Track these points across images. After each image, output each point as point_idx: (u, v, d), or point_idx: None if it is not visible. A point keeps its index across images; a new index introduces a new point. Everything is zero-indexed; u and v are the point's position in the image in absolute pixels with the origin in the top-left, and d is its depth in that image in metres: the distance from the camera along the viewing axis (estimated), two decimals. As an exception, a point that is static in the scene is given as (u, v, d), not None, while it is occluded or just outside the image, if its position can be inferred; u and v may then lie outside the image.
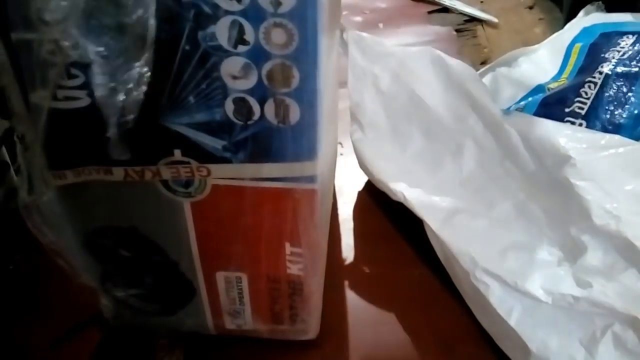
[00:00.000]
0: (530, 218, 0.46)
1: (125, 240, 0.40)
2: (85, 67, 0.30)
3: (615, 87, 0.49)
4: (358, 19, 0.86)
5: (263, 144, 0.34)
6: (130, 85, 0.29)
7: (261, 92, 0.32)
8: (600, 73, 0.51)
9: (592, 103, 0.49)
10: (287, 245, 0.40)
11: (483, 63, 0.74)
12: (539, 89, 0.58)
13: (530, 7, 0.88)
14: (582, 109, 0.49)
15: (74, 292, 0.44)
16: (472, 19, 0.86)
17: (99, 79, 0.29)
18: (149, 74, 0.30)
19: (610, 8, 0.65)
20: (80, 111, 0.32)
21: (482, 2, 0.90)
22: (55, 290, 0.50)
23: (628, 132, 0.46)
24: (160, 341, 0.47)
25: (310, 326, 0.46)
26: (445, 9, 0.88)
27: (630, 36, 0.53)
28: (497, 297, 0.43)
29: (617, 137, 0.43)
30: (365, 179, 0.61)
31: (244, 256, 0.41)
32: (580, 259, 0.41)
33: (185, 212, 0.38)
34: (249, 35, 0.30)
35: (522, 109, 0.55)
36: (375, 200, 0.59)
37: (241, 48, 0.30)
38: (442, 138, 0.51)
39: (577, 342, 0.40)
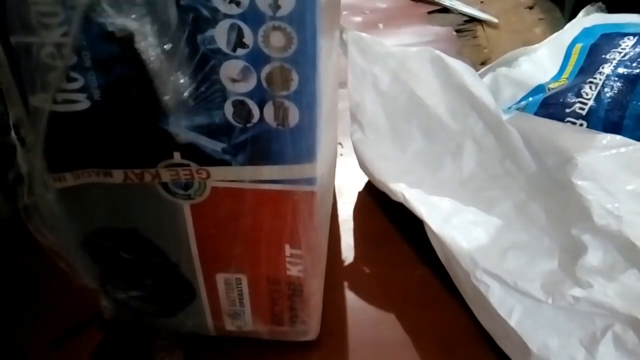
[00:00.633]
0: (530, 218, 0.46)
1: (125, 242, 0.40)
2: (84, 70, 0.30)
3: (616, 88, 0.49)
4: (358, 19, 0.86)
5: (262, 146, 0.34)
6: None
7: (260, 95, 0.32)
8: (601, 74, 0.51)
9: (593, 104, 0.49)
10: (287, 247, 0.40)
11: (483, 63, 0.74)
12: (539, 89, 0.58)
13: (530, 7, 0.88)
14: (583, 109, 0.49)
15: (74, 293, 0.44)
16: (472, 19, 0.86)
17: (146, 44, 0.29)
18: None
19: (611, 9, 0.65)
20: (79, 114, 0.32)
21: (482, 2, 0.90)
22: (55, 291, 0.50)
23: (629, 133, 0.46)
24: (160, 342, 0.47)
25: (311, 327, 0.46)
26: (445, 9, 0.88)
27: (632, 37, 0.53)
28: (498, 298, 0.43)
29: (618, 137, 0.43)
30: (365, 179, 0.61)
31: (243, 258, 0.41)
32: (581, 259, 0.41)
33: (184, 214, 0.38)
34: (248, 38, 0.30)
35: (522, 109, 0.55)
36: (376, 201, 0.59)
37: (240, 51, 0.30)
38: (442, 138, 0.51)
39: (578, 343, 0.40)
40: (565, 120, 0.50)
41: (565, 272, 0.42)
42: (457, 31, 0.84)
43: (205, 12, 0.29)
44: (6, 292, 0.52)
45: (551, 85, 0.57)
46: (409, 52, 0.54)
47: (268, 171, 0.35)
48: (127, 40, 0.29)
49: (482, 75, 0.63)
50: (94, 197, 0.37)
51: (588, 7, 0.66)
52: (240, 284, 0.42)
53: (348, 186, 0.61)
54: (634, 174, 0.42)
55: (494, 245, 0.46)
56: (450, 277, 0.49)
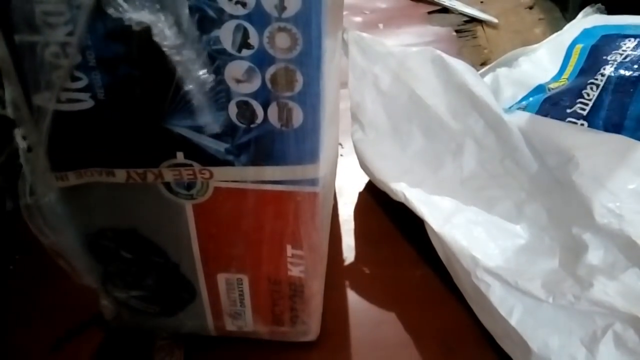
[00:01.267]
0: (531, 217, 0.46)
1: (126, 241, 0.40)
2: (88, 69, 0.30)
3: (617, 90, 0.49)
4: (358, 19, 0.86)
5: (265, 147, 0.34)
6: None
7: (264, 96, 0.32)
8: (603, 75, 0.51)
9: (594, 104, 0.49)
10: (289, 248, 0.40)
11: (483, 64, 0.74)
12: (540, 89, 0.58)
13: (530, 7, 0.88)
14: (584, 110, 0.49)
15: (74, 293, 0.44)
16: (472, 20, 0.86)
17: (164, 35, 0.29)
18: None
19: (610, 10, 0.66)
20: (83, 113, 0.32)
21: (482, 2, 0.90)
22: (55, 291, 0.50)
23: (629, 134, 0.46)
24: (160, 342, 0.47)
25: (311, 328, 0.46)
26: (445, 10, 0.88)
27: (632, 39, 0.53)
28: (498, 297, 0.43)
29: (619, 136, 0.43)
30: (365, 179, 0.61)
31: (245, 258, 0.41)
32: (582, 258, 0.41)
33: (187, 214, 0.38)
34: (253, 39, 0.30)
35: (523, 109, 0.55)
36: (376, 201, 0.59)
37: (245, 52, 0.30)
38: (443, 137, 0.51)
39: (578, 342, 0.41)
40: (566, 120, 0.50)
41: (566, 271, 0.42)
42: (457, 31, 0.84)
43: (210, 13, 0.29)
44: (6, 292, 0.51)
45: (551, 86, 0.57)
46: (409, 51, 0.54)
47: (271, 172, 0.35)
48: (144, 34, 0.29)
49: (482, 76, 0.63)
50: (96, 196, 0.37)
51: (587, 9, 0.67)
52: (242, 284, 0.42)
53: (348, 186, 0.61)
54: (636, 173, 0.42)
55: (494, 244, 0.46)
56: (451, 276, 0.50)
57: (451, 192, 0.50)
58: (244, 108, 0.32)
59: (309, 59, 0.31)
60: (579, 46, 0.58)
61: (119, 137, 0.34)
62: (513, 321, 0.42)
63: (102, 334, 0.48)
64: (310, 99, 0.32)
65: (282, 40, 0.30)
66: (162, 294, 0.44)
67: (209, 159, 0.35)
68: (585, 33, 0.60)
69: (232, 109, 0.32)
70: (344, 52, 0.55)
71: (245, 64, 0.31)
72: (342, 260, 0.55)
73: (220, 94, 0.32)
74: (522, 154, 0.46)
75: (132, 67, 0.30)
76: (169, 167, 0.35)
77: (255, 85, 0.31)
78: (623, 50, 0.52)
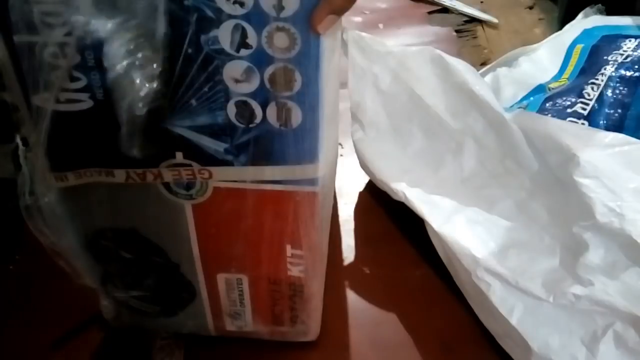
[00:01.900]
0: (531, 216, 0.46)
1: (126, 242, 0.40)
2: (87, 69, 0.30)
3: (617, 90, 0.49)
4: (358, 19, 0.86)
5: (265, 146, 0.34)
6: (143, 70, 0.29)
7: (263, 96, 0.32)
8: (603, 75, 0.51)
9: (594, 104, 0.49)
10: (288, 247, 0.40)
11: (483, 64, 0.74)
12: (540, 88, 0.58)
13: (530, 8, 0.88)
14: (585, 109, 0.49)
15: (74, 293, 0.44)
16: (472, 20, 0.86)
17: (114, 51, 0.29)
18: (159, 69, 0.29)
19: (610, 11, 0.66)
20: (82, 113, 0.32)
21: (482, 2, 0.90)
22: (55, 291, 0.50)
23: (630, 134, 0.46)
24: (160, 342, 0.47)
25: (311, 327, 0.46)
26: (445, 10, 0.88)
27: (633, 40, 0.53)
28: (499, 296, 0.43)
29: (621, 135, 0.43)
30: (366, 179, 0.61)
31: (244, 258, 0.41)
32: (582, 257, 0.41)
33: (186, 214, 0.38)
34: (252, 39, 0.30)
35: (524, 109, 0.55)
36: (376, 201, 0.59)
37: (244, 52, 0.30)
38: (443, 137, 0.51)
39: (579, 341, 0.40)
40: (567, 120, 0.50)
41: (566, 270, 0.42)
42: (457, 31, 0.84)
43: (209, 13, 0.29)
44: (6, 292, 0.51)
45: (551, 85, 0.57)
46: (409, 51, 0.54)
47: (270, 172, 0.35)
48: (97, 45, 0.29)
49: (482, 75, 0.63)
50: (95, 196, 0.37)
51: (587, 9, 0.67)
52: (241, 284, 0.42)
53: (348, 186, 0.61)
54: (637, 172, 0.42)
55: (495, 243, 0.46)
56: (451, 276, 0.49)
57: (451, 191, 0.50)
58: (243, 108, 0.32)
59: (308, 59, 0.31)
60: (579, 46, 0.58)
61: (118, 137, 0.34)
62: (513, 320, 0.42)
63: (102, 334, 0.48)
64: (309, 98, 0.32)
65: (280, 39, 0.30)
66: (162, 294, 0.44)
67: (209, 159, 0.35)
68: (586, 33, 0.60)
69: (231, 109, 0.32)
70: (344, 52, 0.55)
71: (244, 64, 0.31)
72: (342, 260, 0.55)
73: (218, 94, 0.32)
74: (522, 153, 0.46)
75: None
76: (169, 167, 0.35)
77: (254, 85, 0.31)
78: (624, 51, 0.52)
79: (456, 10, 0.87)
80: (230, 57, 0.30)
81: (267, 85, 0.31)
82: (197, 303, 0.44)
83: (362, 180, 0.61)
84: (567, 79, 0.57)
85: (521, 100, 0.58)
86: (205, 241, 0.40)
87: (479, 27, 0.85)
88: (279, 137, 0.34)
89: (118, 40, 0.28)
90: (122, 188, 0.36)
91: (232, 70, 0.31)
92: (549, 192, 0.45)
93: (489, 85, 0.53)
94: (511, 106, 0.57)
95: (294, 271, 0.41)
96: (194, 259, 0.41)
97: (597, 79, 0.51)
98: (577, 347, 0.40)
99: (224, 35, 0.30)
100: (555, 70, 0.60)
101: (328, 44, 0.31)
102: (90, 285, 0.42)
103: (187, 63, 0.30)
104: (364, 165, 0.57)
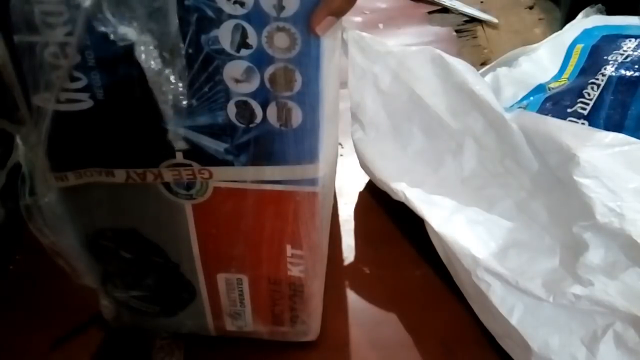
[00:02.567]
0: (531, 216, 0.46)
1: (126, 241, 0.40)
2: (88, 69, 0.30)
3: (617, 90, 0.49)
4: (358, 19, 0.86)
5: (265, 146, 0.34)
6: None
7: (263, 96, 0.32)
8: (603, 75, 0.51)
9: (594, 104, 0.49)
10: (288, 247, 0.40)
11: (483, 64, 0.74)
12: (540, 88, 0.58)
13: (530, 7, 0.88)
14: (585, 109, 0.49)
15: (74, 293, 0.44)
16: (472, 20, 0.86)
17: (146, 53, 0.29)
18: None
19: (610, 10, 0.65)
20: (82, 113, 0.32)
21: (482, 2, 0.90)
22: (55, 291, 0.50)
23: (630, 134, 0.46)
24: (160, 342, 0.47)
25: (311, 327, 0.46)
26: (445, 10, 0.88)
27: (633, 40, 0.53)
28: (499, 296, 0.43)
29: (621, 135, 0.43)
30: (366, 179, 0.61)
31: (245, 258, 0.41)
32: (582, 257, 0.41)
33: (186, 214, 0.38)
34: (252, 39, 0.30)
35: (524, 109, 0.55)
36: (376, 201, 0.59)
37: (244, 52, 0.30)
38: (443, 137, 0.51)
39: (579, 341, 0.41)
40: (567, 119, 0.50)
41: (566, 270, 0.42)
42: (457, 31, 0.84)
43: (209, 13, 0.29)
44: (6, 292, 0.51)
45: (551, 85, 0.57)
46: (409, 51, 0.54)
47: (270, 171, 0.35)
48: (128, 48, 0.29)
49: (482, 75, 0.63)
50: (95, 196, 0.37)
51: (587, 9, 0.66)
52: (241, 284, 0.42)
53: (348, 186, 0.61)
54: (637, 172, 0.42)
55: (495, 243, 0.46)
56: (451, 276, 0.49)
57: (451, 191, 0.50)
58: (243, 108, 0.32)
59: (308, 59, 0.31)
60: (579, 46, 0.58)
61: (118, 137, 0.34)
62: (514, 320, 0.42)
63: (102, 334, 0.48)
64: (310, 98, 0.32)
65: (280, 39, 0.30)
66: (162, 294, 0.44)
67: (209, 159, 0.35)
68: (586, 33, 0.60)
69: (231, 109, 0.32)
70: (344, 52, 0.55)
71: (244, 64, 0.31)
72: (342, 260, 0.55)
73: (219, 94, 0.32)
74: (522, 153, 0.46)
75: (131, 68, 0.30)
76: (169, 167, 0.35)
77: (254, 85, 0.31)
78: (624, 51, 0.52)
79: (456, 10, 0.87)
80: (231, 57, 0.30)
81: (268, 85, 0.31)
82: (197, 303, 0.44)
83: (362, 180, 0.61)
84: (567, 79, 0.56)
85: (521, 100, 0.58)
86: (205, 241, 0.40)
87: (479, 27, 0.85)
88: (279, 137, 0.34)
89: (143, 42, 0.28)
90: (122, 188, 0.36)
91: (233, 70, 0.31)
92: (549, 192, 0.45)
93: (489, 85, 0.53)
94: (511, 106, 0.57)
95: (294, 271, 0.41)
96: (194, 259, 0.41)
97: (597, 79, 0.51)
98: (577, 347, 0.40)
99: (224, 35, 0.30)
100: (555, 70, 0.60)
101: (328, 44, 0.31)
102: (90, 285, 0.42)
103: (188, 63, 0.30)
104: (364, 165, 0.57)
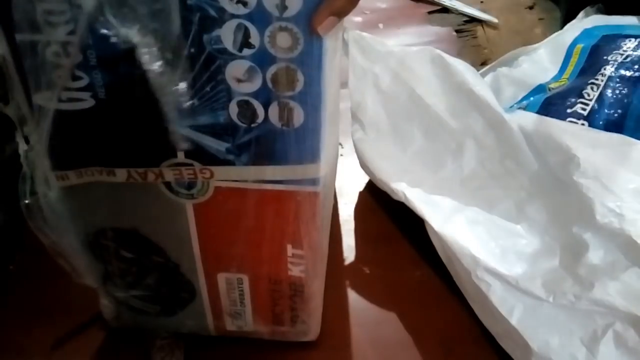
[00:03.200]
0: (531, 216, 0.46)
1: (127, 241, 0.40)
2: (89, 68, 0.30)
3: (617, 90, 0.49)
4: (358, 19, 0.86)
5: (266, 146, 0.34)
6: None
7: (265, 95, 0.32)
8: (603, 75, 0.51)
9: (594, 104, 0.49)
10: (289, 247, 0.40)
11: (483, 64, 0.74)
12: (540, 88, 0.58)
13: (530, 7, 0.88)
14: (585, 109, 0.49)
15: (74, 293, 0.44)
16: (472, 20, 0.86)
17: (148, 55, 0.29)
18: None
19: (610, 10, 0.66)
20: (84, 112, 0.32)
21: (482, 2, 0.90)
22: (55, 291, 0.50)
23: (629, 134, 0.46)
24: (160, 342, 0.47)
25: (311, 327, 0.46)
26: (445, 10, 0.88)
27: (633, 39, 0.53)
28: (499, 296, 0.43)
29: (620, 136, 0.43)
30: (366, 179, 0.61)
31: (245, 258, 0.41)
32: (582, 258, 0.42)
33: (187, 214, 0.38)
34: (254, 38, 0.30)
35: (524, 109, 0.55)
36: (376, 201, 0.59)
37: (246, 51, 0.30)
38: (443, 137, 0.51)
39: (578, 341, 0.41)
40: (567, 120, 0.50)
41: (566, 271, 0.42)
42: (457, 31, 0.84)
43: (212, 12, 0.29)
44: (6, 292, 0.51)
45: (552, 85, 0.57)
46: (409, 51, 0.54)
47: (272, 171, 0.35)
48: (130, 50, 0.29)
49: (482, 75, 0.63)
50: (96, 196, 0.37)
51: (587, 9, 0.67)
52: (242, 283, 0.42)
53: (349, 186, 0.61)
54: (637, 173, 0.42)
55: (495, 243, 0.46)
56: (451, 276, 0.50)
57: (451, 191, 0.50)
58: (245, 108, 0.32)
59: (310, 59, 0.31)
60: (579, 46, 0.58)
61: (120, 137, 0.34)
62: (514, 321, 0.42)
63: (102, 334, 0.48)
64: (311, 98, 0.32)
65: (283, 39, 0.30)
66: (162, 294, 0.44)
67: (210, 159, 0.35)
68: (586, 33, 0.60)
69: (233, 109, 0.32)
70: (344, 52, 0.55)
71: (246, 64, 0.31)
72: (342, 260, 0.55)
73: (221, 93, 0.32)
74: (522, 153, 0.46)
75: (133, 67, 0.30)
76: (170, 166, 0.35)
77: (256, 84, 0.31)
78: (624, 51, 0.52)
79: (456, 10, 0.87)
80: (233, 57, 0.30)
81: (270, 85, 0.31)
82: (197, 303, 0.44)
83: (362, 180, 0.61)
84: (567, 79, 0.56)
85: (521, 100, 0.57)
86: (206, 241, 0.40)
87: (479, 27, 0.85)
88: (281, 137, 0.34)
89: (146, 44, 0.28)
90: (123, 187, 0.36)
91: (235, 69, 0.31)
92: (549, 193, 0.45)
93: (488, 85, 0.53)
94: (511, 106, 0.57)
95: (295, 271, 0.41)
96: (194, 259, 0.41)
97: (597, 79, 0.51)
98: (577, 346, 0.41)
99: (227, 35, 0.30)
100: (555, 70, 0.60)
101: (330, 44, 0.31)
102: (90, 285, 0.43)
103: (190, 62, 0.30)
104: (364, 165, 0.57)
